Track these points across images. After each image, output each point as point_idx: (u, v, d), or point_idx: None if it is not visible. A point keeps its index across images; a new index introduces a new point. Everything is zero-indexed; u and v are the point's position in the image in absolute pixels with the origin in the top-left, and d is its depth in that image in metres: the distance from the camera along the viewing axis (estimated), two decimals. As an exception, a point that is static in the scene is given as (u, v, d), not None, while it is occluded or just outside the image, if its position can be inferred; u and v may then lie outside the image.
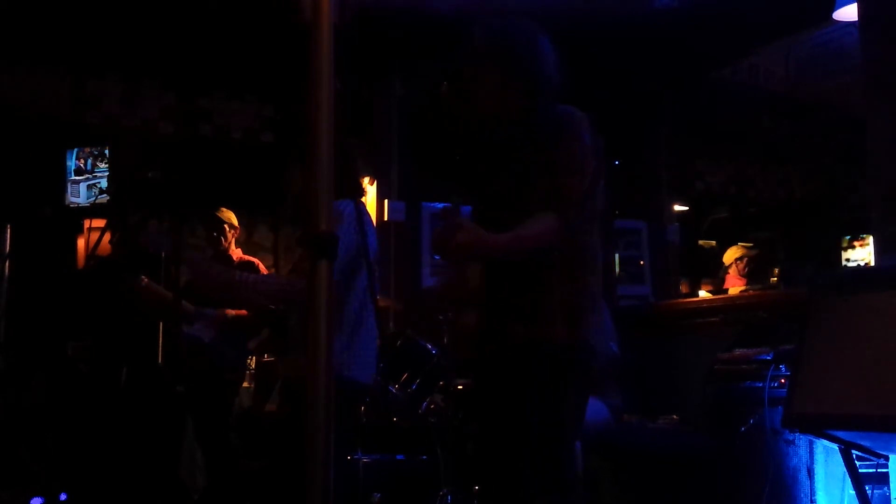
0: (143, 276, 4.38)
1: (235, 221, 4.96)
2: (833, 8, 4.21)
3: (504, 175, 2.41)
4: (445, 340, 3.99)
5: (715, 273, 6.97)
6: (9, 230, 5.10)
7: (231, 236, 4.91)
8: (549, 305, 2.32)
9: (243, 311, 4.60)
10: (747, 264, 6.50)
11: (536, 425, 2.27)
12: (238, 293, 3.61)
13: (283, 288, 3.21)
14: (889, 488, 2.85)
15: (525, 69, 2.34)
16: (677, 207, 6.78)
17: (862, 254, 7.26)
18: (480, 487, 3.26)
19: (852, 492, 2.67)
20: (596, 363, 2.39)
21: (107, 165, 5.39)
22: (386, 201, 5.78)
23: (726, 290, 6.42)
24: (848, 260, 7.34)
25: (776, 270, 6.84)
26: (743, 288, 6.31)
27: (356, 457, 3.71)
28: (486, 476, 2.58)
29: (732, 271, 6.51)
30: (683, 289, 7.02)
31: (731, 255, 6.60)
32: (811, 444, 3.12)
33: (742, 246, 6.80)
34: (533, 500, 2.28)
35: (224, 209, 4.93)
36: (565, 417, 2.32)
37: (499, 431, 2.41)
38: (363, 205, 3.20)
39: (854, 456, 2.62)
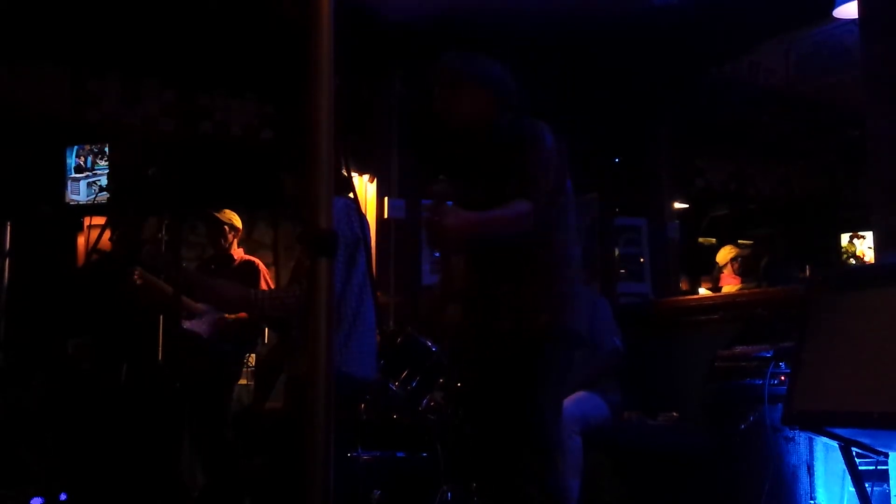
0: (136, 271, 4.32)
1: (238, 222, 4.95)
2: (833, 5, 4.21)
3: (481, 176, 2.73)
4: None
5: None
6: (9, 228, 5.10)
7: (232, 237, 4.90)
8: (531, 296, 2.56)
9: (242, 314, 4.59)
10: (741, 264, 6.54)
11: (519, 412, 2.49)
12: (253, 311, 3.67)
13: (299, 303, 3.20)
14: (889, 485, 2.85)
15: (491, 83, 2.77)
16: (677, 205, 6.78)
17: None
18: (478, 483, 3.28)
19: (852, 489, 2.67)
20: (576, 348, 2.64)
21: (107, 163, 5.40)
22: (386, 199, 5.77)
23: (720, 289, 6.46)
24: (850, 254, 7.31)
25: (760, 265, 6.87)
26: (739, 287, 6.34)
27: (356, 454, 3.71)
28: (481, 468, 2.74)
29: (727, 271, 6.56)
30: (683, 286, 7.03)
31: (724, 255, 6.64)
32: (811, 441, 3.12)
33: (735, 246, 6.83)
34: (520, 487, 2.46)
35: (226, 210, 4.93)
36: (546, 402, 2.54)
37: (488, 422, 2.62)
38: (354, 198, 3.22)
39: (854, 453, 2.62)
